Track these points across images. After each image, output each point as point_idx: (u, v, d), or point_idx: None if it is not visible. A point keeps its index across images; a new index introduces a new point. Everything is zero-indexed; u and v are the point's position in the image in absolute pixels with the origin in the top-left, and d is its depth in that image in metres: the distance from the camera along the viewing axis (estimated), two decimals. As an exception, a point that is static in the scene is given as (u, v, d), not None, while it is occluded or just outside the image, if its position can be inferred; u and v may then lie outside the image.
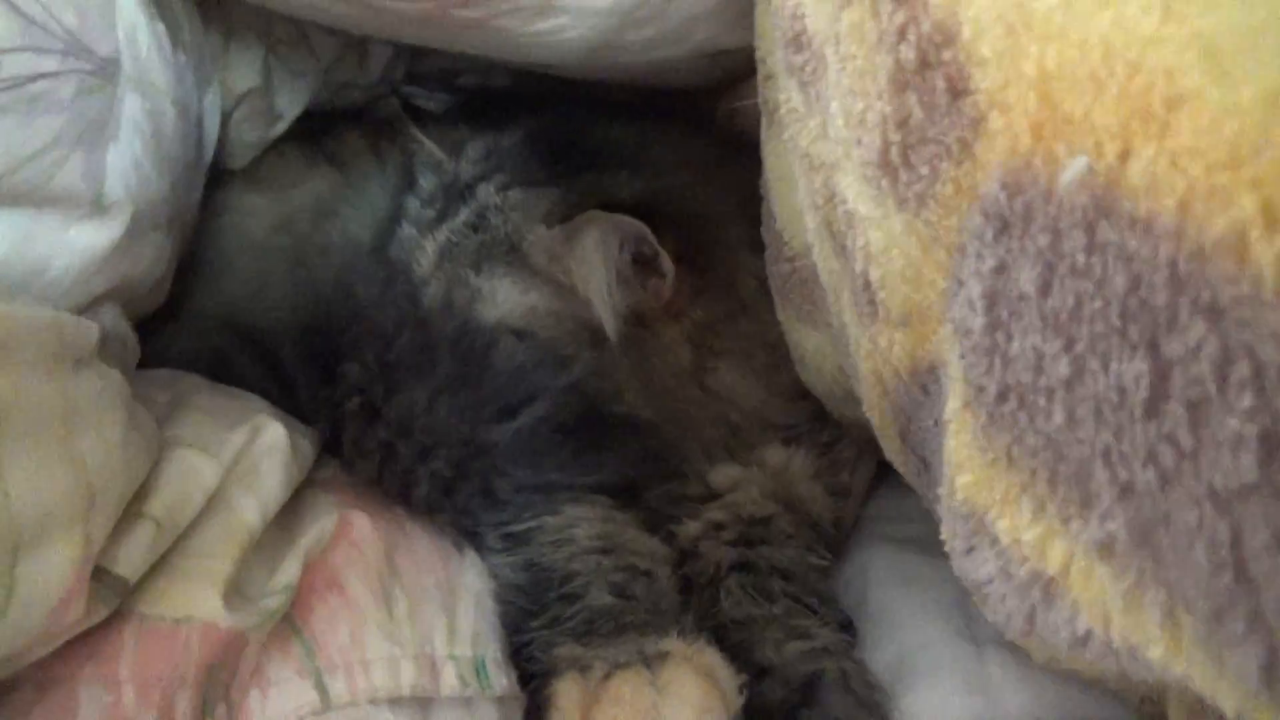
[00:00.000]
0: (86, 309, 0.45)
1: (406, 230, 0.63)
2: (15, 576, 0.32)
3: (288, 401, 0.56)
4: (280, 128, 0.70)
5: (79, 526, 0.34)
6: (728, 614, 0.51)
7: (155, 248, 0.51)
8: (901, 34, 0.27)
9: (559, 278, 0.58)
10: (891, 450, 0.46)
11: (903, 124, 0.28)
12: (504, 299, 0.58)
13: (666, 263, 0.57)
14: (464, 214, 0.60)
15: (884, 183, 0.30)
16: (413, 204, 0.64)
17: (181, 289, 0.64)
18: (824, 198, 0.37)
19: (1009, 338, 0.26)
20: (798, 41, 0.36)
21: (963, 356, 0.28)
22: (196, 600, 0.39)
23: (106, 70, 0.47)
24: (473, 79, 0.80)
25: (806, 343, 0.56)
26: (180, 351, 0.60)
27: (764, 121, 0.50)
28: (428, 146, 0.67)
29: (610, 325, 0.57)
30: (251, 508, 0.43)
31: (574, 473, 0.53)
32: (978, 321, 0.27)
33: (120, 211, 0.46)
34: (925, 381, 0.35)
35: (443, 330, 0.54)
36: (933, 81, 0.27)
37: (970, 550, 0.30)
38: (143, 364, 0.56)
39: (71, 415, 0.35)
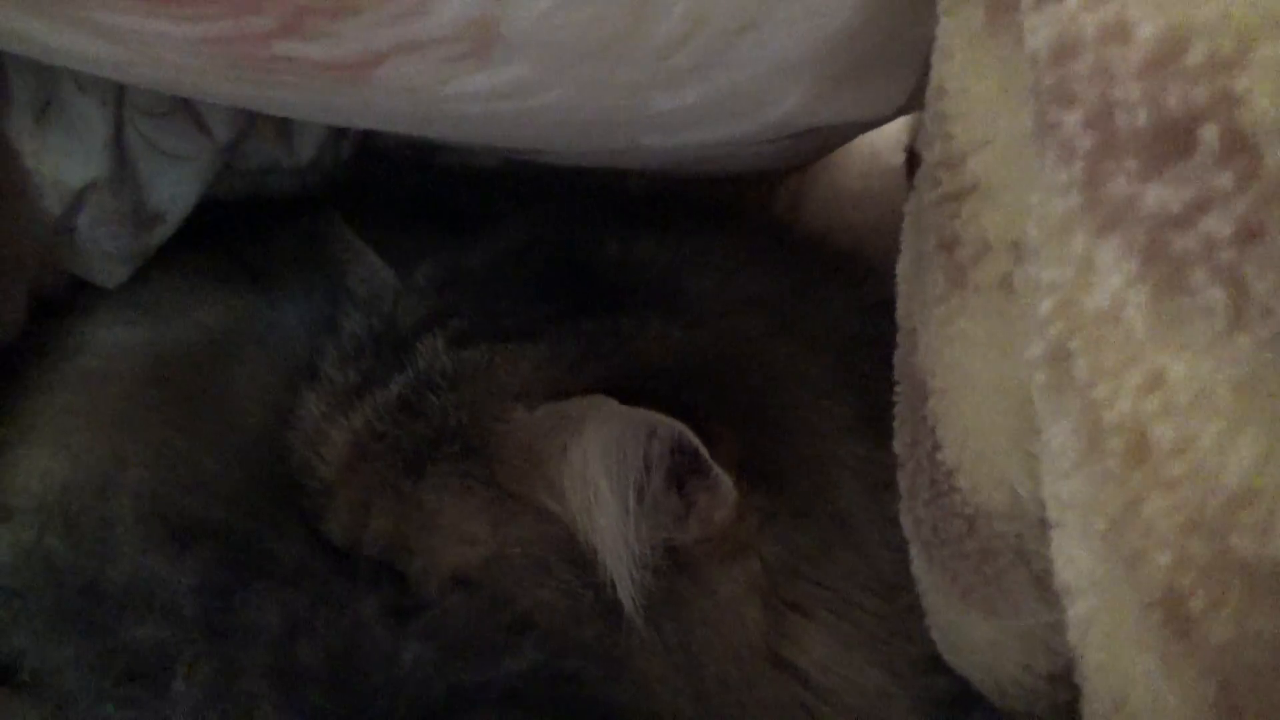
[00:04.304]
0: None
1: (311, 405, 0.39)
2: None
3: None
4: (162, 232, 0.48)
5: None
6: None
7: None
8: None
9: (543, 500, 0.35)
10: None
11: None
12: (455, 533, 0.35)
13: (722, 477, 0.33)
14: (395, 385, 0.37)
15: None
16: (329, 357, 0.41)
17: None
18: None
19: None
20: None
21: None
22: None
23: None
24: (453, 158, 0.57)
25: (972, 632, 0.32)
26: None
27: (938, 273, 0.26)
28: (365, 256, 0.44)
29: (625, 585, 0.34)
30: None
31: None
32: None
33: None
34: None
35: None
36: None
37: None
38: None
39: None
